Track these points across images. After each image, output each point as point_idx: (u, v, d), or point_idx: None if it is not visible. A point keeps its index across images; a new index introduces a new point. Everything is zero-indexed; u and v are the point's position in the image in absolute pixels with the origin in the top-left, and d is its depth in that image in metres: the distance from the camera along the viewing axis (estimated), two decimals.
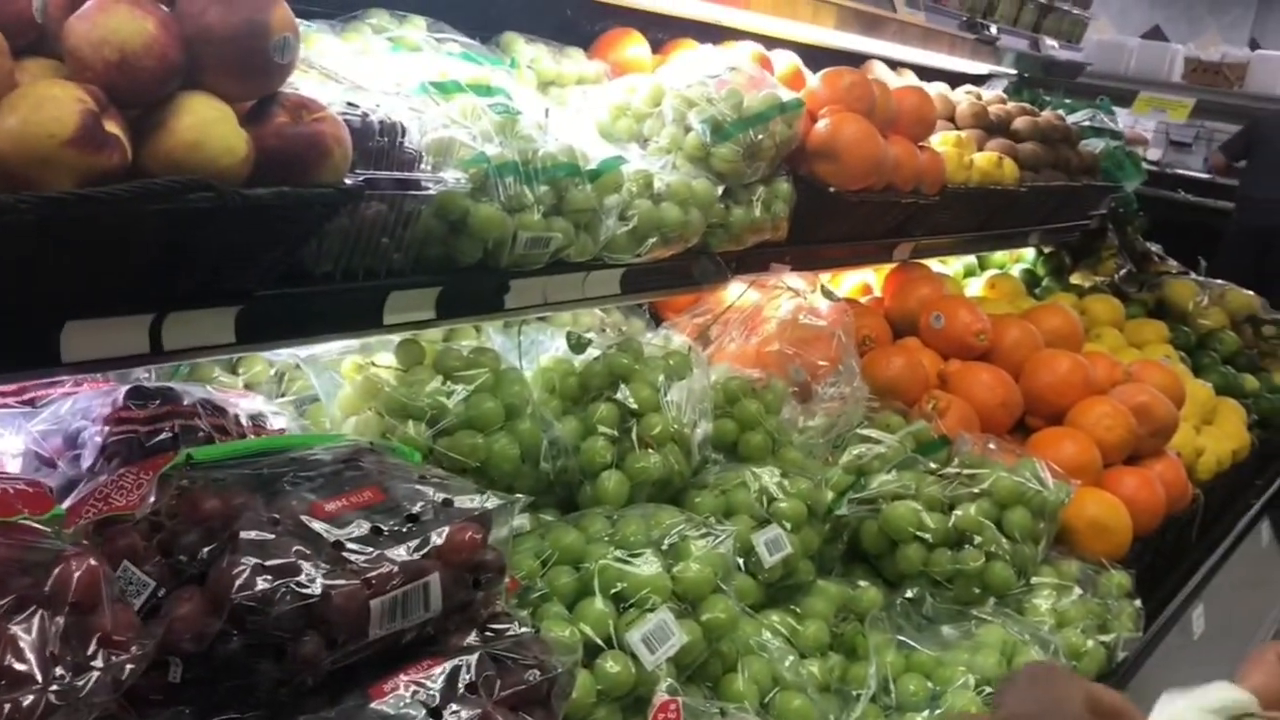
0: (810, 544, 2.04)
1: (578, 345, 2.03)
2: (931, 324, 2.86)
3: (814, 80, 2.82)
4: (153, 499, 1.31)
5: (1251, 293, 4.44)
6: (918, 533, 2.12)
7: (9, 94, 1.20)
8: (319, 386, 1.87)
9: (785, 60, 3.12)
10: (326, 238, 1.63)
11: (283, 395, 2.07)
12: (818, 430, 2.38)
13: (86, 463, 1.46)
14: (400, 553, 1.30)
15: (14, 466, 1.50)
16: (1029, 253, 4.40)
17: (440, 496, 1.41)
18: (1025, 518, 2.15)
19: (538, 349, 2.26)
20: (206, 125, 1.32)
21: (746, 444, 2.20)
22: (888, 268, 3.34)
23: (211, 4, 1.35)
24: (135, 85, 1.28)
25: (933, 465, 2.26)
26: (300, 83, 1.67)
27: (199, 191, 1.30)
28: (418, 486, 1.42)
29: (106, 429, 1.48)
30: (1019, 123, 3.73)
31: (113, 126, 1.24)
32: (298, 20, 2.14)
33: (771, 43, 3.26)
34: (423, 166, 1.76)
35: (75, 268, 1.29)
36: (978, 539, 2.11)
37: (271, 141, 1.40)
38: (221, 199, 1.32)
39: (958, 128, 3.59)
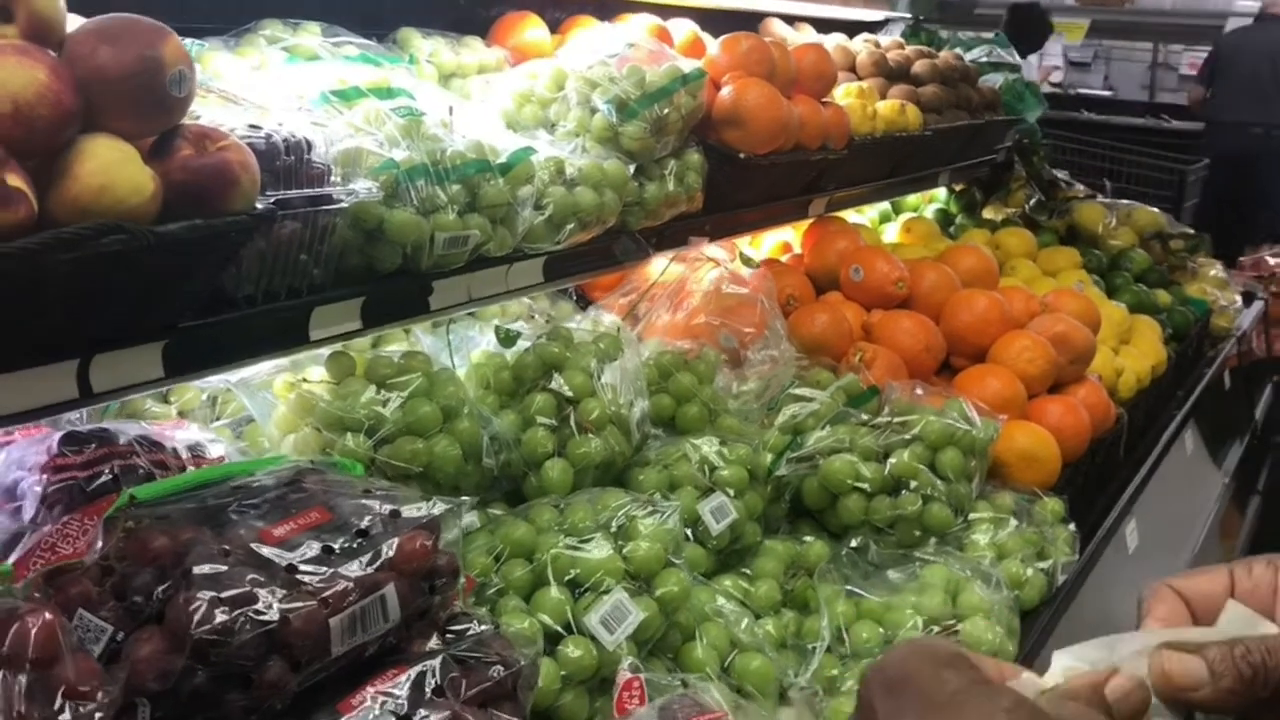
0: (754, 507, 2.09)
1: (507, 339, 2.05)
2: (851, 277, 2.92)
3: (713, 47, 2.85)
4: (100, 544, 1.32)
5: (1156, 210, 4.58)
6: (855, 484, 2.18)
7: None
8: (253, 408, 1.87)
9: (683, 29, 3.15)
10: (244, 262, 1.63)
11: (218, 419, 2.07)
12: (752, 394, 2.43)
13: (28, 514, 1.46)
14: (354, 569, 1.32)
15: None
16: (941, 192, 4.49)
17: (387, 508, 1.43)
18: (957, 458, 2.23)
19: (469, 345, 2.27)
20: (111, 168, 1.32)
21: (684, 416, 2.24)
22: (806, 224, 3.39)
23: (101, 45, 1.34)
24: (33, 135, 1.27)
25: (864, 416, 2.32)
26: (200, 109, 1.67)
27: (111, 235, 1.30)
28: (363, 501, 1.44)
29: (44, 478, 1.48)
30: (918, 67, 3.80)
31: (15, 180, 1.24)
32: (190, 40, 2.15)
33: (668, 11, 3.28)
34: (333, 179, 1.76)
35: None
36: (913, 483, 2.17)
37: (178, 176, 1.40)
38: (134, 240, 1.33)
39: (859, 78, 3.64)
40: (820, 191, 3.16)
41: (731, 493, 2.04)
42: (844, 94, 3.30)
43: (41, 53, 1.29)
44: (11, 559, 1.33)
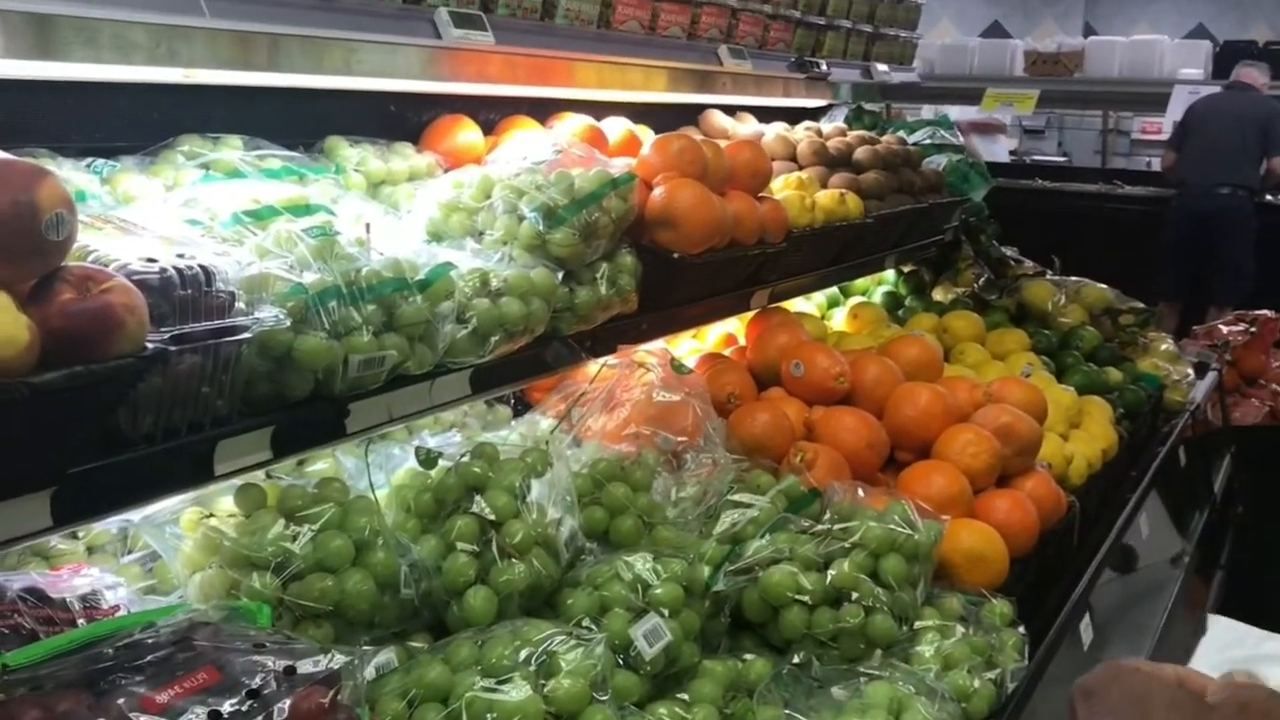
0: (691, 626, 2.02)
1: (428, 461, 1.99)
2: (792, 372, 2.88)
3: (646, 148, 2.84)
4: None
5: (1104, 286, 4.59)
6: (796, 596, 2.11)
7: None
8: (159, 546, 1.79)
9: (618, 127, 3.15)
10: (139, 400, 1.57)
11: (130, 552, 1.99)
12: (691, 500, 2.37)
13: None
14: None
15: None
16: (890, 274, 4.49)
17: (281, 664, 1.36)
18: (900, 564, 2.17)
19: (394, 463, 2.21)
20: None
21: (617, 530, 2.18)
22: (748, 317, 3.36)
23: None
24: None
25: (805, 523, 2.26)
26: (96, 242, 1.62)
27: None
28: (255, 657, 1.36)
29: None
30: (859, 153, 3.81)
31: None
32: (102, 161, 2.11)
33: (605, 108, 3.28)
34: (238, 307, 1.71)
35: None
36: (855, 594, 2.11)
37: (57, 322, 1.35)
38: (8, 393, 1.27)
39: (800, 166, 3.65)
40: (761, 283, 3.13)
41: (666, 613, 1.97)
42: (783, 185, 3.29)
43: None
44: None
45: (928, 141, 4.62)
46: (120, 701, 1.26)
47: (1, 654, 1.32)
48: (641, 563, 2.04)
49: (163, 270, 1.57)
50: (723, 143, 3.05)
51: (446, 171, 2.66)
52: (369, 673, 1.68)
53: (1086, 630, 2.66)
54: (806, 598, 2.12)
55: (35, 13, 1.74)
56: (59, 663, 1.34)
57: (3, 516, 1.41)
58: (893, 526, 2.22)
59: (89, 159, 2.12)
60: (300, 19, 2.12)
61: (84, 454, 1.50)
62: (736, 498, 2.35)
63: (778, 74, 3.81)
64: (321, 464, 2.27)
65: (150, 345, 1.45)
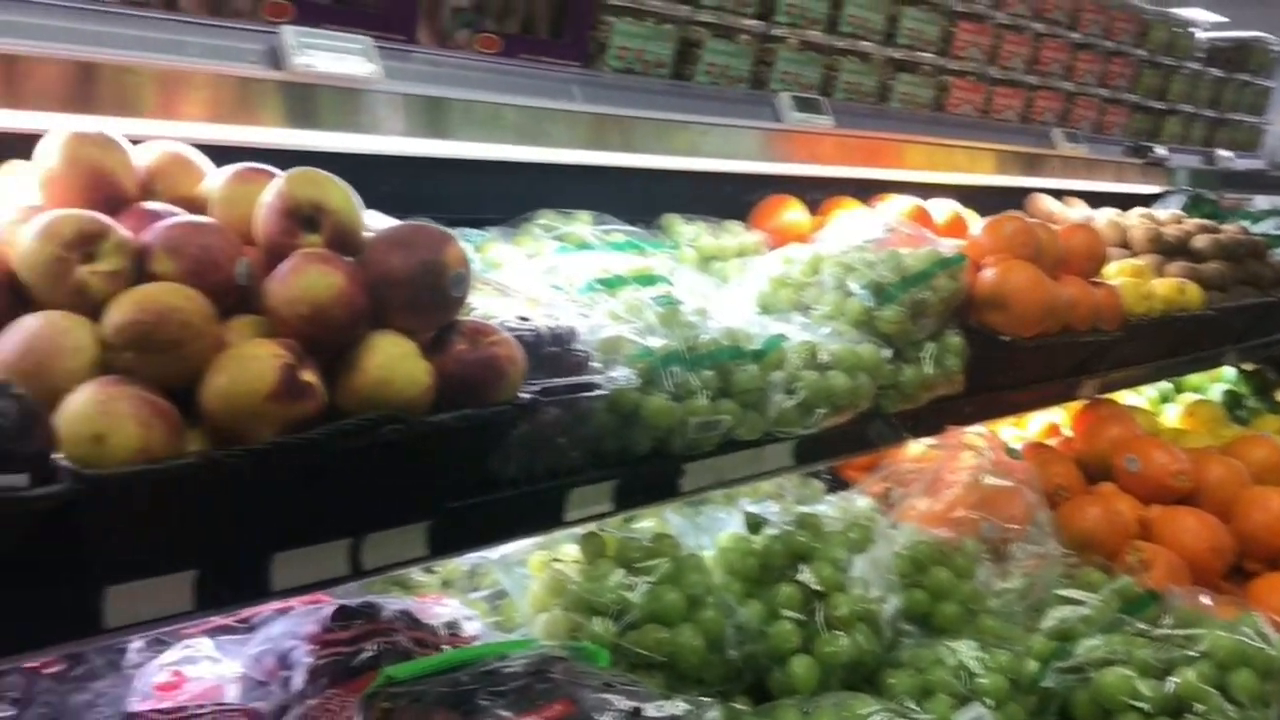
0: None
1: (754, 525, 2.03)
2: (1126, 467, 2.74)
3: (976, 228, 2.81)
4: None
5: None
6: (1133, 702, 1.99)
7: (217, 355, 1.33)
8: (508, 584, 1.92)
9: (944, 209, 3.13)
10: (508, 446, 1.70)
11: (476, 589, 2.14)
12: (1015, 593, 2.29)
13: (296, 684, 1.54)
14: None
15: (232, 691, 1.59)
16: (1229, 370, 4.18)
17: (629, 705, 1.43)
18: (1251, 680, 2.00)
19: (717, 525, 2.27)
20: (393, 362, 1.42)
21: (940, 615, 2.13)
22: (1076, 405, 3.22)
23: (392, 250, 1.47)
24: (327, 334, 1.39)
25: (1142, 626, 2.13)
26: (477, 301, 1.79)
27: (388, 425, 1.38)
28: (606, 695, 1.43)
29: (314, 650, 1.56)
30: (1199, 241, 3.60)
31: (308, 375, 1.35)
32: (473, 231, 2.32)
33: (930, 189, 3.28)
34: (593, 365, 1.83)
35: (279, 506, 1.39)
36: (1200, 707, 1.96)
37: (452, 369, 1.49)
38: (410, 429, 1.41)
39: (1134, 253, 3.49)
40: (1091, 373, 3.01)
41: (992, 704, 1.91)
42: (1117, 272, 3.16)
43: (339, 260, 1.42)
44: None
45: (1275, 232, 4.31)
46: None
47: (386, 666, 1.45)
48: (966, 649, 1.99)
49: (535, 329, 1.71)
50: (1055, 226, 2.97)
51: (772, 249, 2.74)
52: None
53: None
54: (1145, 704, 1.99)
55: (430, 97, 1.96)
56: (431, 680, 1.46)
57: (389, 543, 1.56)
58: (1244, 639, 2.05)
59: (462, 229, 2.34)
60: (656, 104, 2.27)
61: (460, 491, 1.64)
62: (1066, 593, 2.24)
63: (1111, 158, 3.68)
64: (647, 521, 2.36)
65: (524, 395, 1.58)
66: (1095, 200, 3.92)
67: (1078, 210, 3.74)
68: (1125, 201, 4.10)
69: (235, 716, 1.31)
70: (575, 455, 1.82)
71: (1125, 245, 3.57)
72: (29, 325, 1.27)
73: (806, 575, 1.94)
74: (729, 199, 2.94)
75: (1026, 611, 2.25)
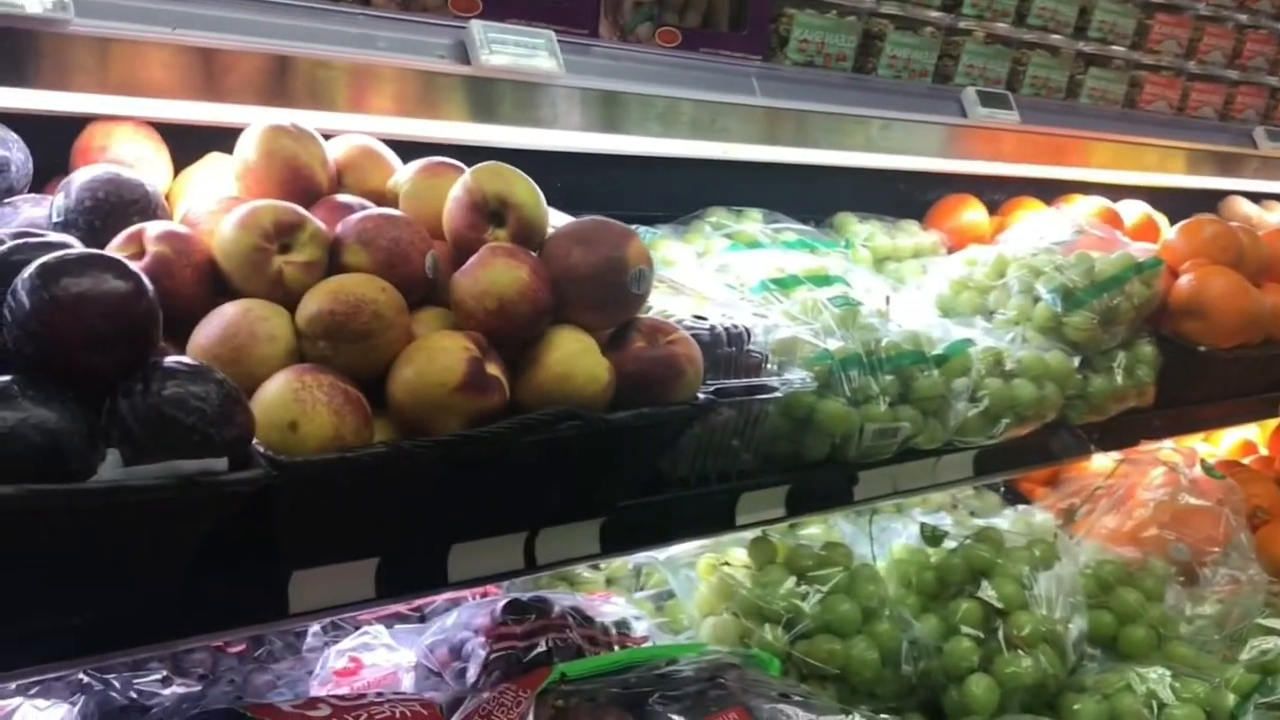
0: None
1: (933, 539, 1.96)
2: None
3: (1171, 232, 2.66)
4: (531, 717, 1.36)
5: None
6: None
7: (405, 347, 1.34)
8: (676, 586, 1.90)
9: (1134, 210, 2.98)
10: (681, 446, 1.67)
11: (641, 588, 2.12)
12: (1210, 620, 2.15)
13: (471, 676, 1.55)
14: None
15: (407, 680, 1.61)
16: None
17: (805, 717, 1.38)
18: None
19: (889, 536, 2.19)
20: (573, 358, 1.41)
21: (1127, 639, 2.02)
22: (1273, 423, 3.02)
23: (575, 246, 1.45)
24: (511, 328, 1.39)
25: None
26: (652, 298, 1.76)
27: (568, 421, 1.37)
28: (781, 706, 1.40)
29: (487, 642, 1.57)
30: None
31: (493, 368, 1.35)
32: (644, 228, 2.30)
33: (1116, 190, 3.12)
34: (768, 367, 1.79)
35: (461, 497, 1.39)
36: None
37: (630, 366, 1.47)
38: (588, 426, 1.39)
39: None
40: None
41: None
42: None
43: (525, 254, 1.41)
44: None
45: None
46: None
47: (558, 663, 1.44)
48: (1156, 676, 1.87)
49: (712, 328, 1.68)
50: (1257, 231, 2.78)
51: (950, 250, 2.64)
52: None
53: None
54: None
55: (609, 91, 1.94)
56: (603, 680, 1.45)
57: (562, 538, 1.55)
58: None
59: (634, 225, 2.32)
60: (835, 96, 2.20)
61: (632, 490, 1.62)
62: (1269, 623, 2.09)
63: None
64: (814, 528, 2.30)
65: (701, 395, 1.54)
66: None
67: (1278, 215, 3.50)
68: None
69: (413, 707, 1.32)
70: (748, 458, 1.79)
71: None
72: (228, 313, 1.30)
73: (987, 591, 1.85)
74: (904, 198, 2.85)
75: (1223, 641, 2.11)
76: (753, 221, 2.42)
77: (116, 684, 1.56)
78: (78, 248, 1.19)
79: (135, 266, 1.14)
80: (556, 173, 2.21)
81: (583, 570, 2.11)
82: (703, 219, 2.41)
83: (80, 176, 1.41)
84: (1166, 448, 2.30)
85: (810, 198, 2.67)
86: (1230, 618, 2.13)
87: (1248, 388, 2.65)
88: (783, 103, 2.08)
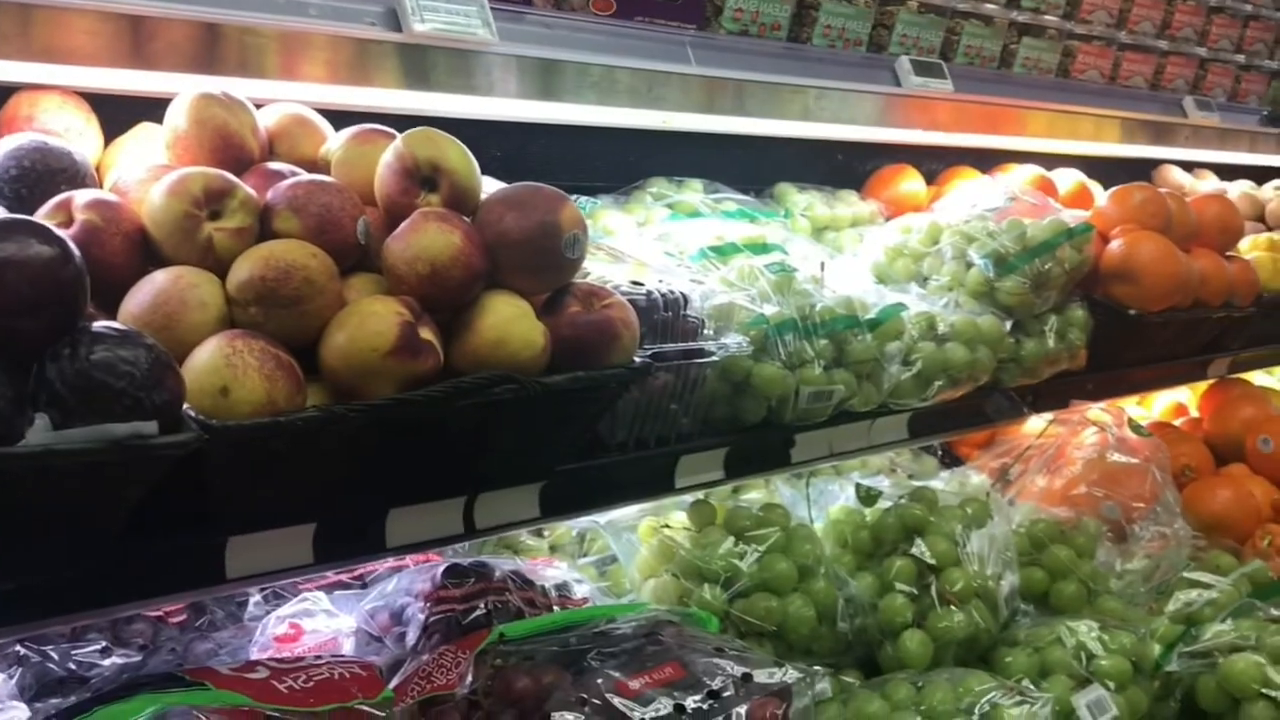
0: (1138, 705, 1.88)
1: (867, 498, 1.99)
2: (1259, 448, 2.62)
3: (1102, 199, 2.71)
4: (470, 678, 1.38)
5: None
6: (1264, 690, 1.90)
7: (338, 312, 1.34)
8: (617, 549, 1.92)
9: (1069, 179, 3.03)
10: (620, 410, 1.69)
11: (585, 555, 2.14)
12: (1138, 575, 2.21)
13: (410, 640, 1.56)
14: None
15: (348, 645, 1.62)
16: None
17: (739, 670, 1.41)
18: None
19: (827, 499, 2.23)
20: (507, 323, 1.42)
21: (1059, 594, 2.07)
22: (1203, 385, 3.10)
23: (509, 211, 1.46)
24: (445, 293, 1.40)
25: (1275, 612, 2.04)
26: (590, 265, 1.78)
27: (503, 385, 1.38)
28: (716, 660, 1.42)
29: (427, 607, 1.58)
30: None
31: (426, 333, 1.36)
32: (585, 198, 2.31)
33: (1052, 160, 3.17)
34: (705, 333, 1.81)
35: (396, 462, 1.40)
36: None
37: (566, 331, 1.48)
38: (524, 389, 1.41)
39: (1269, 227, 3.33)
40: (1222, 351, 2.88)
41: (1112, 686, 1.84)
42: (1251, 246, 3.02)
43: (458, 219, 1.42)
44: (393, 683, 1.42)
45: None
46: (598, 682, 1.35)
47: (498, 625, 1.46)
48: (1086, 629, 1.93)
49: (648, 293, 1.70)
50: (1186, 197, 2.85)
51: (888, 219, 2.68)
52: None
53: None
54: (1276, 693, 1.90)
55: (544, 59, 1.94)
56: (542, 640, 1.47)
57: (503, 503, 1.57)
58: None
59: (573, 195, 2.33)
60: (770, 66, 2.22)
61: (570, 455, 1.64)
62: (1193, 576, 2.16)
63: (1246, 128, 3.51)
64: (755, 493, 2.33)
65: (637, 359, 1.56)
66: (1228, 173, 3.74)
67: (1208, 183, 3.58)
68: (1260, 174, 3.90)
69: (352, 669, 1.33)
70: (686, 422, 1.81)
71: (1260, 219, 3.40)
72: (158, 281, 1.30)
73: (920, 549, 1.90)
74: (843, 168, 2.88)
75: (1150, 594, 2.17)
76: (693, 192, 2.44)
77: (54, 655, 1.55)
78: (2, 214, 1.18)
79: (62, 233, 1.14)
80: (495, 142, 2.22)
81: (526, 537, 2.13)
82: (644, 189, 2.43)
83: (5, 145, 1.40)
84: (1096, 409, 2.35)
85: (751, 168, 2.69)
86: (1157, 572, 2.20)
87: (1178, 350, 2.72)
88: (718, 71, 2.09)
